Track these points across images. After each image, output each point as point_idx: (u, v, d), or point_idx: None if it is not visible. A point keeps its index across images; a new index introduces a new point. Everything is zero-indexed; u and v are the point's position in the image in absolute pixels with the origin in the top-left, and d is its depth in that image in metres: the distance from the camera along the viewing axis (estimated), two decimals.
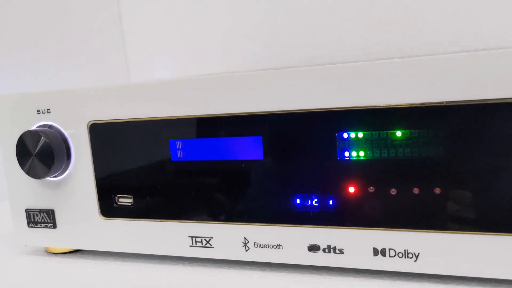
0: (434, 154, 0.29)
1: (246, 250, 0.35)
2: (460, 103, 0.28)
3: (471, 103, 0.28)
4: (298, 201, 0.33)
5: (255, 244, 0.35)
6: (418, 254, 0.31)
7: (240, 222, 0.35)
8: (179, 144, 0.36)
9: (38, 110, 0.40)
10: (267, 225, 0.34)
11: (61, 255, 0.42)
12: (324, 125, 0.32)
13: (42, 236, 0.41)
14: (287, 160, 0.33)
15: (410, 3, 0.62)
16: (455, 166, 0.29)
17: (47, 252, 0.43)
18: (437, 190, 0.30)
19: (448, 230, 0.30)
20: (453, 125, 0.29)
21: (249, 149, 0.34)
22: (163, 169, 0.37)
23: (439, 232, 0.30)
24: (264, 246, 0.34)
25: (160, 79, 0.36)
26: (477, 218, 0.29)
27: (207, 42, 0.77)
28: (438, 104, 0.29)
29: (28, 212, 0.42)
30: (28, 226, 0.42)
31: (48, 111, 0.39)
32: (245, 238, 0.35)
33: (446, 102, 0.29)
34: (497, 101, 0.28)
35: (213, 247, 0.36)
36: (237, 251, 0.35)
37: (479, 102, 0.28)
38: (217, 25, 0.76)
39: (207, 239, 0.36)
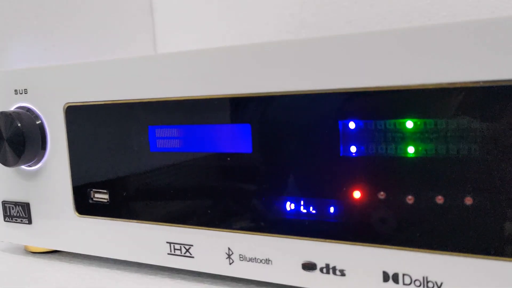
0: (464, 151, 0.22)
1: (230, 263, 0.29)
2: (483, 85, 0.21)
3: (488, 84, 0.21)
4: (292, 206, 0.27)
5: (241, 256, 0.28)
6: (441, 284, 0.23)
7: (223, 228, 0.29)
8: (159, 132, 0.30)
9: (15, 90, 0.35)
10: (254, 234, 0.28)
11: (38, 255, 0.38)
12: (324, 112, 0.25)
13: (17, 232, 0.37)
14: (279, 154, 0.27)
15: None
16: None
17: (26, 250, 0.39)
18: (469, 200, 0.22)
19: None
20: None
21: (236, 140, 0.28)
22: (140, 161, 0.31)
23: (461, 256, 0.22)
24: (250, 259, 0.28)
25: (142, 55, 0.31)
26: None
27: (236, 15, 0.69)
28: (475, 85, 0.21)
29: (4, 205, 0.37)
30: (4, 220, 0.38)
31: (25, 91, 0.35)
32: (229, 249, 0.29)
33: (483, 82, 0.21)
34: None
35: (193, 257, 0.30)
36: (219, 263, 0.29)
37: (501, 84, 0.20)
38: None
39: (187, 247, 0.30)
